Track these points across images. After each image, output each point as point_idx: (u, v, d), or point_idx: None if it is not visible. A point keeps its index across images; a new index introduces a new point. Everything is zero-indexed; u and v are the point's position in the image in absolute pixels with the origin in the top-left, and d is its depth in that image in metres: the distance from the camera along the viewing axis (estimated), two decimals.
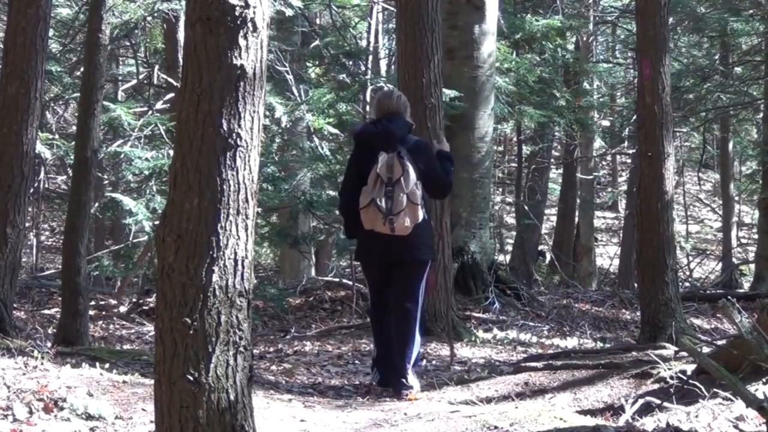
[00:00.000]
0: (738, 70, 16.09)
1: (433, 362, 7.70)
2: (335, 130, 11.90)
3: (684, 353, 5.93)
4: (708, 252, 21.39)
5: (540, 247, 18.60)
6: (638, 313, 8.95)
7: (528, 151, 18.23)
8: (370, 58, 14.02)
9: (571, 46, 17.11)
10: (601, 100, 18.89)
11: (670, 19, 11.55)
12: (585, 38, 17.50)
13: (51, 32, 10.82)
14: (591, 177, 19.33)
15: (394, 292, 6.32)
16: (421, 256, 6.30)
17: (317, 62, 14.58)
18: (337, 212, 7.51)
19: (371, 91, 11.70)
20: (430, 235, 6.42)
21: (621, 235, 20.76)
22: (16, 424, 4.70)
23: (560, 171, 20.61)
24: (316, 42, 13.66)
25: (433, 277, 7.16)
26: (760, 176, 15.91)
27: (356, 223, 6.26)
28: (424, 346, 8.24)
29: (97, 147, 7.68)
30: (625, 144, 19.98)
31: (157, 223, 8.11)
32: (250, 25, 3.39)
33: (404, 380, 6.19)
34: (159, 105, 12.07)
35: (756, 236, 16.80)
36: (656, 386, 5.48)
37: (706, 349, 5.67)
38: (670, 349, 6.46)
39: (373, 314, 6.53)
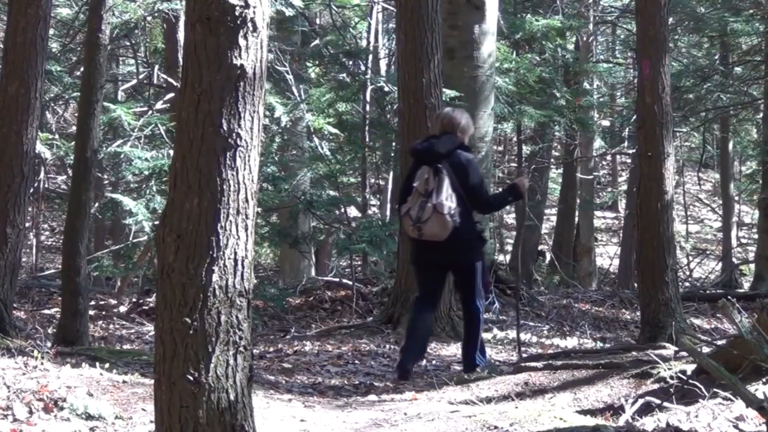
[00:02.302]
0: (738, 70, 16.08)
1: (433, 362, 7.69)
2: (335, 130, 11.91)
3: (684, 353, 5.92)
4: (708, 252, 21.40)
5: (540, 247, 18.61)
6: (638, 313, 8.95)
7: (528, 151, 18.24)
8: (370, 57, 14.03)
9: (571, 46, 17.11)
10: (601, 100, 18.91)
11: (670, 19, 11.56)
12: (585, 38, 17.49)
13: (51, 32, 10.83)
14: (591, 177, 19.33)
15: (460, 294, 7.30)
16: (462, 260, 6.98)
17: (317, 62, 14.59)
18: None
19: (371, 90, 11.70)
20: (470, 241, 6.94)
21: (621, 235, 20.77)
22: (16, 424, 4.70)
23: (560, 171, 20.62)
24: (316, 42, 13.68)
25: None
26: (760, 176, 15.90)
27: None
28: None
29: (97, 147, 7.67)
30: (625, 144, 19.98)
31: (157, 223, 8.11)
32: (250, 25, 3.39)
33: (476, 367, 6.95)
34: (159, 105, 12.06)
35: (756, 236, 16.80)
36: (656, 386, 5.48)
37: (706, 349, 5.66)
38: (670, 349, 6.46)
39: (414, 307, 7.25)
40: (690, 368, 5.38)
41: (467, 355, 7.06)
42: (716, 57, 16.91)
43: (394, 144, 12.68)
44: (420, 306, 7.13)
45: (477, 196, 6.96)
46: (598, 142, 19.36)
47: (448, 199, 6.75)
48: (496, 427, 4.78)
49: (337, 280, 11.62)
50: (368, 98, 12.44)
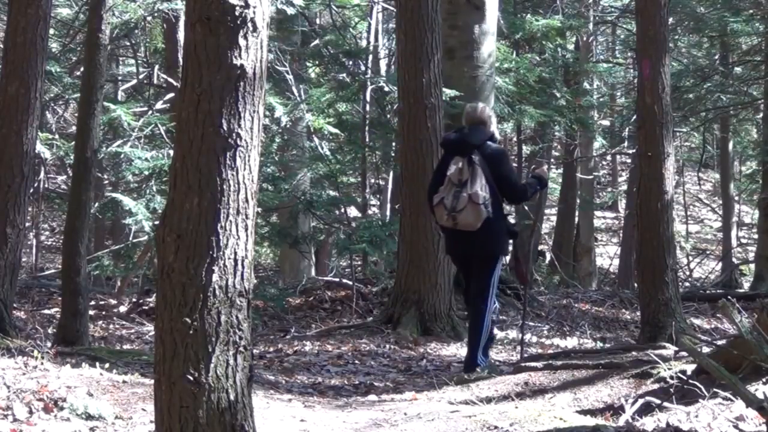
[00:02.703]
0: (738, 70, 16.07)
1: (433, 362, 7.70)
2: (335, 130, 11.91)
3: (684, 353, 5.92)
4: (708, 252, 21.39)
5: (540, 247, 18.59)
6: (638, 313, 8.95)
7: (528, 151, 18.23)
8: (370, 57, 14.03)
9: (571, 46, 17.11)
10: (601, 100, 18.89)
11: (670, 19, 11.55)
12: (585, 38, 17.49)
13: (51, 32, 10.83)
14: (591, 177, 19.32)
15: (471, 285, 7.12)
16: (490, 251, 7.02)
17: (317, 62, 14.59)
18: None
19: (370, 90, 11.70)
20: (500, 234, 7.03)
21: (621, 235, 20.76)
22: (16, 424, 4.70)
23: (560, 171, 20.61)
24: (316, 42, 13.67)
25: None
26: (760, 176, 15.89)
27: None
28: (424, 346, 8.27)
29: (97, 147, 7.67)
30: (625, 144, 19.97)
31: (157, 223, 8.11)
32: (250, 25, 3.39)
33: (476, 367, 6.86)
34: (159, 105, 12.06)
35: (756, 236, 16.79)
36: (656, 386, 5.48)
37: (706, 349, 5.66)
38: (670, 349, 6.45)
39: (466, 300, 7.31)
40: (690, 368, 5.38)
41: (469, 353, 7.00)
42: (716, 57, 16.90)
43: (394, 144, 12.68)
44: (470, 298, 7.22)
45: (510, 185, 7.06)
46: (598, 142, 19.35)
47: (482, 189, 6.83)
48: (496, 427, 4.78)
49: (337, 280, 11.62)
50: (368, 98, 12.44)
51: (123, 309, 10.47)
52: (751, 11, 14.47)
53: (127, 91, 15.47)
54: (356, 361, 7.77)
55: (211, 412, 3.36)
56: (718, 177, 23.50)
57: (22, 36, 7.00)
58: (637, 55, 9.40)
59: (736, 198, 20.67)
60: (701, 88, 14.79)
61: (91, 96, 7.47)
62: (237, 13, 3.37)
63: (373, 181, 17.40)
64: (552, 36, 13.97)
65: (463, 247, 7.04)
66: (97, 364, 6.00)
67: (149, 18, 12.11)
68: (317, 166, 12.12)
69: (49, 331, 8.68)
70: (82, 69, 8.91)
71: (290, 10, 11.29)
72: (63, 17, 13.98)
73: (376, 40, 15.36)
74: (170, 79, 11.99)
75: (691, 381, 5.06)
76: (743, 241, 21.12)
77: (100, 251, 12.30)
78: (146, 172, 10.15)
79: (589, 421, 4.95)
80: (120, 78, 15.88)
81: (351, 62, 13.74)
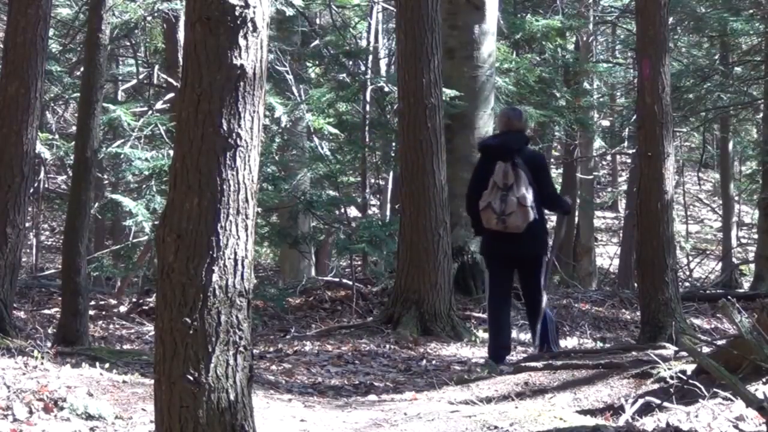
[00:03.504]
0: (738, 70, 16.06)
1: (433, 362, 7.70)
2: (335, 130, 11.91)
3: (684, 353, 5.92)
4: (708, 252, 21.39)
5: None
6: (638, 313, 8.95)
7: None
8: (370, 58, 14.02)
9: (571, 46, 17.10)
10: (601, 100, 18.88)
11: (670, 19, 11.54)
12: (585, 38, 17.48)
13: (51, 32, 10.83)
14: (591, 177, 19.31)
15: (523, 286, 7.52)
16: (536, 251, 7.31)
17: (317, 62, 14.58)
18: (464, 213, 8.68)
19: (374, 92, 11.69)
20: (542, 234, 7.37)
21: (621, 235, 20.75)
22: (16, 424, 4.70)
23: (560, 171, 20.60)
24: (316, 42, 13.67)
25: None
26: (760, 176, 15.89)
27: (480, 221, 7.29)
28: (424, 346, 8.27)
29: (97, 147, 7.68)
30: (625, 144, 19.96)
31: (157, 223, 8.11)
32: (250, 25, 3.39)
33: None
34: (159, 105, 12.06)
35: (756, 236, 16.79)
36: (656, 386, 5.47)
37: (706, 349, 5.66)
38: (670, 349, 6.45)
39: (491, 302, 7.49)
40: (690, 368, 5.38)
41: (543, 334, 7.35)
42: (716, 57, 16.88)
43: (394, 144, 12.67)
44: (497, 300, 7.41)
45: (549, 190, 7.42)
46: (598, 142, 19.34)
47: (528, 192, 7.10)
48: (496, 427, 4.78)
49: (337, 280, 11.62)
50: (368, 98, 12.44)
51: (123, 309, 10.47)
52: (751, 11, 14.47)
53: (127, 91, 15.48)
54: (356, 361, 7.76)
55: (211, 412, 3.36)
56: (718, 177, 23.47)
57: (22, 36, 7.00)
58: (637, 55, 9.40)
59: (736, 198, 20.66)
60: (701, 88, 14.79)
61: (91, 96, 7.48)
62: (237, 13, 3.37)
63: (373, 181, 17.39)
64: (552, 36, 13.97)
65: (508, 249, 7.26)
66: (97, 364, 6.00)
67: (149, 18, 12.11)
68: (317, 166, 12.11)
69: (49, 331, 8.68)
70: (82, 69, 8.91)
71: (289, 11, 11.30)
72: (63, 17, 13.97)
73: (376, 40, 15.36)
74: (170, 79, 11.99)
75: (691, 381, 5.06)
76: (743, 241, 21.12)
77: (100, 251, 12.31)
78: (146, 173, 10.15)
79: (589, 421, 4.95)
80: (120, 78, 15.87)
81: (351, 62, 13.73)
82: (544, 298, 7.42)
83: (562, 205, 7.80)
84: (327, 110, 12.41)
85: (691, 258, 19.61)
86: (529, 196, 7.11)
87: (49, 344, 7.06)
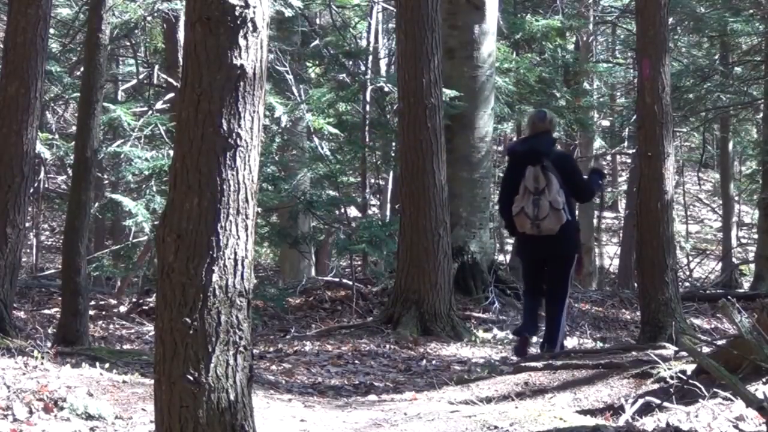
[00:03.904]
0: (738, 70, 16.06)
1: (433, 362, 7.70)
2: (335, 130, 11.90)
3: (684, 353, 5.92)
4: (708, 252, 21.39)
5: None
6: (638, 313, 8.95)
7: None
8: (370, 58, 14.03)
9: (571, 46, 17.10)
10: (601, 100, 18.87)
11: (670, 19, 11.55)
12: (585, 38, 17.48)
13: (51, 32, 10.83)
14: None
15: (548, 282, 7.58)
16: (568, 251, 7.49)
17: (317, 62, 14.58)
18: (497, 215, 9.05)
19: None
20: (574, 233, 7.52)
21: (621, 235, 20.75)
22: (16, 424, 4.70)
23: None
24: (316, 42, 13.66)
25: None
26: (760, 176, 15.89)
27: (514, 225, 7.49)
28: (424, 346, 8.27)
29: (97, 147, 7.67)
30: (625, 144, 19.96)
31: (157, 223, 8.11)
32: (250, 25, 3.39)
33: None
34: (159, 105, 12.05)
35: (756, 236, 16.79)
36: (656, 386, 5.47)
37: (706, 349, 5.66)
38: (670, 349, 6.45)
39: (526, 297, 7.77)
40: (690, 368, 5.38)
41: (550, 334, 7.44)
42: (716, 57, 16.88)
43: (394, 144, 12.67)
44: (531, 296, 7.65)
45: (582, 187, 7.59)
46: (598, 142, 19.34)
47: (559, 195, 7.25)
48: (496, 427, 4.77)
49: (337, 280, 11.62)
50: (368, 98, 12.44)
51: (123, 309, 10.47)
52: (751, 11, 14.47)
53: (127, 91, 15.48)
54: (356, 361, 7.76)
55: (211, 412, 3.36)
56: (718, 177, 23.47)
57: (22, 36, 7.00)
58: (637, 55, 9.40)
59: (736, 198, 20.65)
60: (701, 88, 14.79)
61: (91, 96, 7.47)
62: (237, 13, 3.37)
63: (373, 181, 17.39)
64: (552, 36, 13.97)
65: (542, 251, 7.44)
66: (97, 364, 6.00)
67: (149, 18, 12.10)
68: (317, 166, 12.11)
69: (49, 331, 8.68)
70: (82, 69, 8.91)
71: (288, 12, 11.29)
72: (63, 17, 13.97)
73: (376, 40, 15.37)
74: (170, 79, 11.99)
75: (691, 381, 5.06)
76: (743, 241, 21.12)
77: (100, 251, 12.30)
78: (146, 172, 10.15)
79: (589, 421, 4.95)
80: (120, 78, 15.88)
81: (351, 62, 13.74)
82: (567, 296, 7.59)
83: (596, 189, 7.98)
84: (327, 110, 12.41)
85: (691, 258, 19.61)
86: (561, 199, 7.24)
87: (49, 344, 7.06)
